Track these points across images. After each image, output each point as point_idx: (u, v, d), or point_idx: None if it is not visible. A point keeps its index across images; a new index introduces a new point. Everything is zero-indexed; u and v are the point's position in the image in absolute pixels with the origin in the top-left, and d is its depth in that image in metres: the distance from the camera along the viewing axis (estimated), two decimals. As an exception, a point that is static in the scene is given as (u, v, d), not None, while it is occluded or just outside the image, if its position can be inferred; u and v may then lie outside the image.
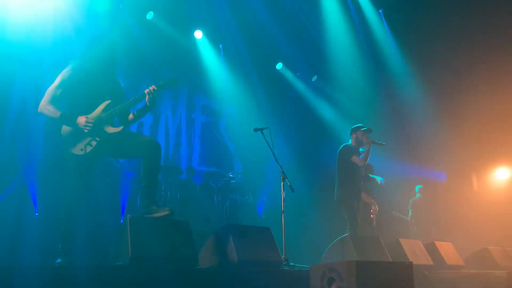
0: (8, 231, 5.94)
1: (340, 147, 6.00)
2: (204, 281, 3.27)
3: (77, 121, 3.36)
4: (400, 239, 5.29)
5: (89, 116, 3.41)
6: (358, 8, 9.11)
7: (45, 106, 3.41)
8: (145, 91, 3.57)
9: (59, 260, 3.34)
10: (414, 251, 5.22)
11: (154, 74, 8.75)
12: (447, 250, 5.67)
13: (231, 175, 8.76)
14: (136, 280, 2.96)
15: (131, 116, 3.73)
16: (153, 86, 3.59)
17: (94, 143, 3.41)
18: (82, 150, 3.39)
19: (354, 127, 6.03)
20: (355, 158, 5.72)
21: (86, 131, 3.37)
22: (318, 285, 3.46)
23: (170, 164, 8.79)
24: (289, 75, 10.29)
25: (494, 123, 8.36)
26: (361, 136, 5.86)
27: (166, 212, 3.41)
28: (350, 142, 5.99)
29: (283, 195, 4.85)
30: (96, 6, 7.66)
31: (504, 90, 8.10)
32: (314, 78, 10.39)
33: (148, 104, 3.59)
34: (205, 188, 8.17)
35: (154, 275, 3.03)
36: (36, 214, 6.39)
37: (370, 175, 6.80)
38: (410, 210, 8.47)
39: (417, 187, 8.58)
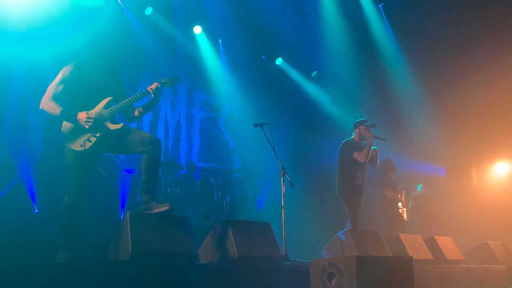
0: (8, 228, 5.95)
1: (342, 142, 5.96)
2: (204, 277, 3.28)
3: (78, 117, 3.36)
4: (400, 234, 5.29)
5: (90, 112, 3.41)
6: (357, 4, 9.08)
7: (46, 102, 3.41)
8: (148, 89, 3.57)
9: (60, 256, 3.34)
10: (414, 246, 5.23)
11: (154, 70, 8.75)
12: (447, 245, 5.68)
13: (234, 171, 8.79)
14: (136, 276, 2.96)
15: (136, 112, 3.74)
16: (156, 83, 3.59)
17: (93, 139, 3.41)
18: (81, 146, 3.39)
19: (357, 121, 5.97)
20: (356, 155, 5.70)
21: (87, 127, 3.37)
22: (318, 280, 3.47)
23: (170, 160, 8.78)
24: (288, 70, 10.28)
25: (493, 118, 8.35)
26: (364, 131, 5.83)
27: (166, 208, 3.41)
28: (352, 137, 5.97)
29: (283, 190, 4.85)
30: (95, 2, 7.64)
31: (503, 85, 8.09)
32: (314, 73, 10.37)
33: (153, 100, 3.63)
34: (205, 184, 8.18)
35: (154, 271, 3.03)
36: (36, 211, 6.39)
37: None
38: (410, 202, 8.49)
39: (419, 186, 8.63)
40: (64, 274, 2.76)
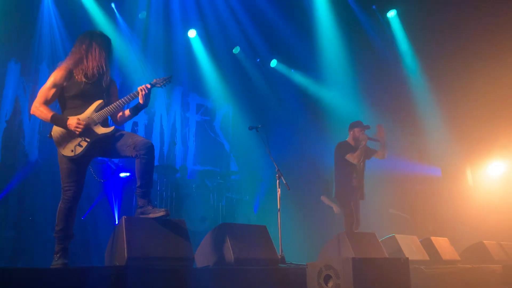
0: (5, 234, 5.92)
1: (336, 144, 6.02)
2: (200, 281, 3.27)
3: (68, 122, 3.32)
4: (396, 235, 5.31)
5: (80, 116, 3.37)
6: (353, 5, 9.13)
7: (37, 107, 3.37)
8: (138, 89, 3.53)
9: (55, 262, 3.32)
10: (410, 247, 5.25)
11: (148, 74, 8.74)
12: (443, 245, 5.70)
13: (230, 174, 8.80)
14: (133, 281, 2.95)
15: (122, 114, 3.68)
16: (146, 84, 3.56)
17: (84, 143, 3.36)
18: (72, 151, 3.35)
19: (352, 123, 6.03)
20: (349, 156, 5.76)
21: (77, 132, 3.33)
22: (314, 282, 3.47)
23: (165, 163, 8.77)
24: (284, 72, 10.30)
25: (488, 117, 8.38)
26: (358, 133, 5.88)
27: (162, 213, 3.38)
28: (347, 138, 6.02)
29: (279, 192, 4.85)
30: (89, 5, 7.65)
31: (498, 85, 8.13)
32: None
33: (141, 102, 3.56)
34: (200, 187, 8.17)
35: (151, 276, 3.02)
36: (31, 218, 6.35)
37: None
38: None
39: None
40: (59, 280, 2.75)
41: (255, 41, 9.32)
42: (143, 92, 3.52)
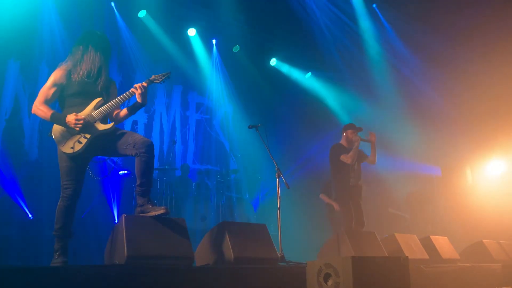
0: (5, 233, 5.93)
1: (330, 147, 6.13)
2: (200, 279, 3.27)
3: (67, 120, 3.33)
4: (395, 234, 5.31)
5: (79, 114, 3.38)
6: (354, 5, 9.13)
7: (38, 106, 3.39)
8: (135, 86, 3.51)
9: (55, 260, 3.32)
10: (410, 246, 5.25)
11: (148, 73, 8.75)
12: (443, 244, 5.70)
13: (230, 173, 8.80)
14: (132, 279, 2.94)
15: (121, 113, 3.68)
16: (142, 82, 3.55)
17: (84, 140, 3.37)
18: (72, 148, 3.36)
19: (345, 125, 6.21)
20: (343, 157, 5.87)
21: (77, 129, 3.34)
22: (314, 281, 3.47)
23: (165, 162, 8.77)
24: (284, 70, 10.30)
25: (487, 116, 8.39)
26: (351, 135, 6.02)
27: (162, 211, 3.39)
28: (340, 141, 6.14)
29: (278, 191, 4.85)
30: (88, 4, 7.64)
31: (497, 84, 8.14)
32: (308, 75, 10.39)
33: (139, 101, 3.55)
34: (200, 186, 8.17)
35: (150, 274, 3.01)
36: (30, 216, 6.35)
37: None
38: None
39: None
40: (59, 278, 2.75)
41: (254, 40, 9.32)
42: (139, 92, 3.51)
